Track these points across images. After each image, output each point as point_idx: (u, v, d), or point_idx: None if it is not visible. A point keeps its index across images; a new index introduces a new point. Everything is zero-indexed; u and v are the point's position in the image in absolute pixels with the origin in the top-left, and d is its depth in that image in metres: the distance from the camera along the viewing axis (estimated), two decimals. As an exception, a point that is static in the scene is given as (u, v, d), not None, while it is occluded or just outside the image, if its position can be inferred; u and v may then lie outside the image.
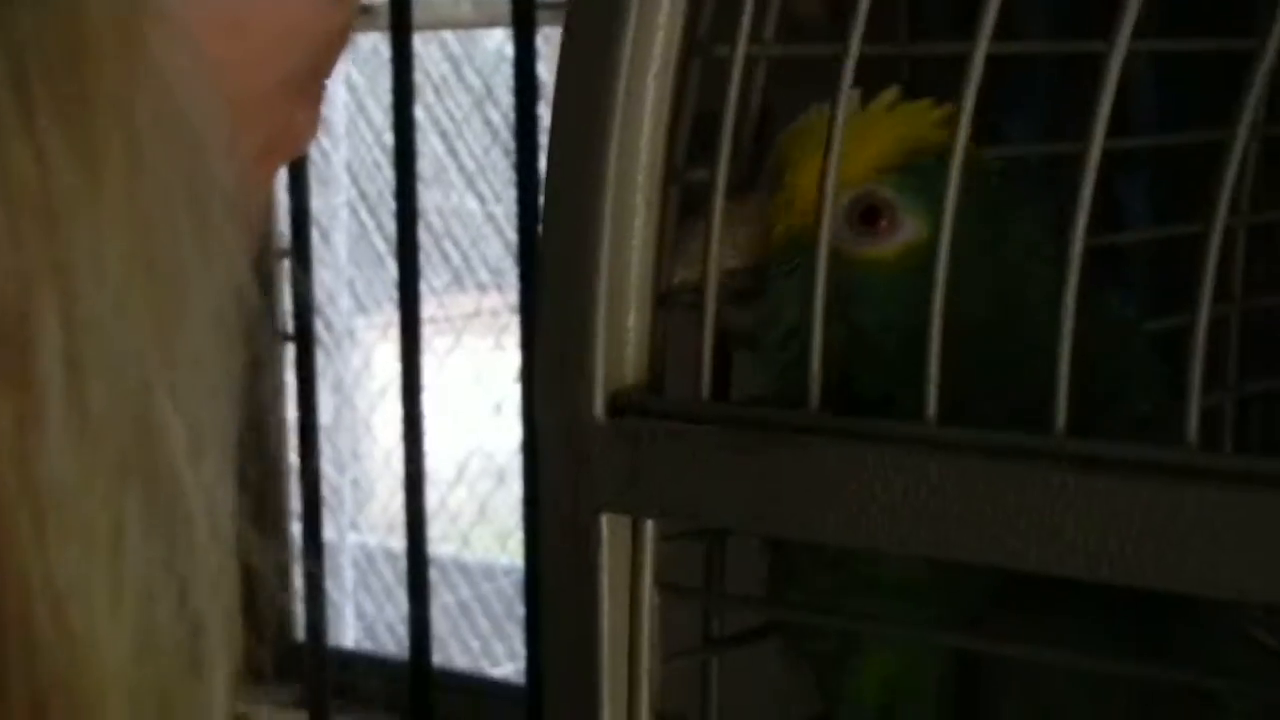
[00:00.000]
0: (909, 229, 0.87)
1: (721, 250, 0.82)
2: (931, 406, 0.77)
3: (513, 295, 3.35)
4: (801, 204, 0.87)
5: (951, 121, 0.78)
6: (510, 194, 3.51)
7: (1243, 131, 0.70)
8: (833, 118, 0.79)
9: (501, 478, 3.58)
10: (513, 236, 2.25)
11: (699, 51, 0.85)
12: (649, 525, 0.84)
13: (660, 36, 0.83)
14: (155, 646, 0.45)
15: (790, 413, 0.80)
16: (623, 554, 0.84)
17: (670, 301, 0.86)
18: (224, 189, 0.49)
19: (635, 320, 0.84)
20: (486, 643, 3.69)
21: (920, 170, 0.87)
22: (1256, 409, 1.21)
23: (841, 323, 0.86)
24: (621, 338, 0.84)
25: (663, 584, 0.85)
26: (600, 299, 0.83)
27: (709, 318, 0.82)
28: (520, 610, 3.40)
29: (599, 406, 0.83)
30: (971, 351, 0.79)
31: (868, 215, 0.87)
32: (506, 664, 3.62)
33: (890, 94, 0.88)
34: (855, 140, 0.83)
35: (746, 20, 0.82)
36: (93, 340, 0.43)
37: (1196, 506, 0.69)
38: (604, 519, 0.83)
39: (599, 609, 0.84)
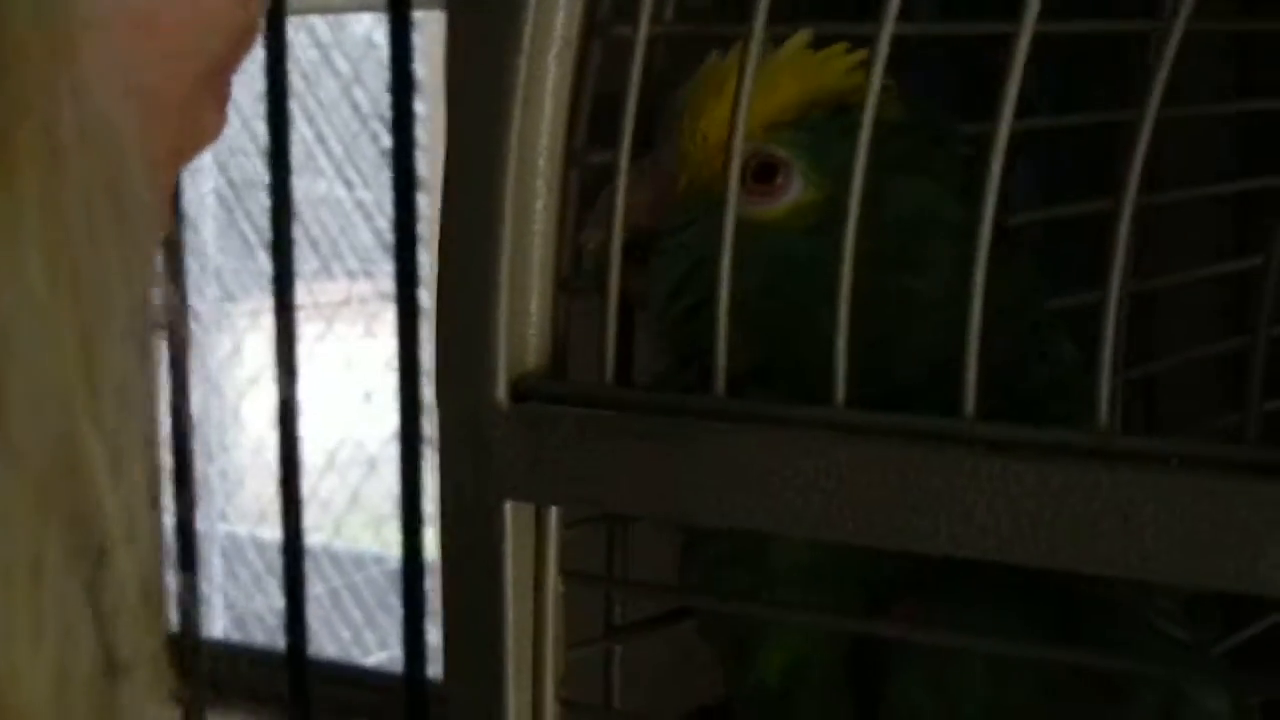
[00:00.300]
0: (798, 188, 0.85)
1: (633, 210, 0.81)
2: (839, 390, 0.76)
3: (384, 282, 3.32)
4: (699, 155, 0.85)
5: (861, 69, 0.78)
6: (380, 180, 3.49)
7: (1152, 112, 0.70)
8: (741, 70, 0.77)
9: (373, 466, 3.55)
10: (382, 223, 2.23)
11: (600, 31, 0.84)
12: (553, 512, 0.83)
13: (561, 16, 0.82)
14: (76, 683, 0.43)
15: (696, 397, 0.79)
16: (526, 541, 0.83)
17: (571, 285, 0.85)
18: (144, 199, 0.47)
19: (537, 305, 0.83)
20: (358, 632, 3.66)
21: (813, 126, 0.85)
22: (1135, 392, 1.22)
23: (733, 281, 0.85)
24: (524, 322, 0.83)
25: (567, 571, 0.83)
26: (502, 283, 0.82)
27: (612, 295, 0.81)
28: (392, 599, 3.38)
29: (501, 392, 0.82)
30: (861, 317, 0.77)
31: (762, 173, 0.85)
32: (379, 653, 3.60)
33: (799, 39, 0.86)
34: (757, 90, 0.81)
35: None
36: (15, 363, 0.42)
37: (1110, 488, 0.69)
38: (508, 506, 0.82)
39: (503, 598, 0.82)
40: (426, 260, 2.25)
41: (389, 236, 2.41)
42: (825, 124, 0.84)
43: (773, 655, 0.88)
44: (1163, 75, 0.70)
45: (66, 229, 0.43)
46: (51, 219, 0.43)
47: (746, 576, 0.88)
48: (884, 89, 0.75)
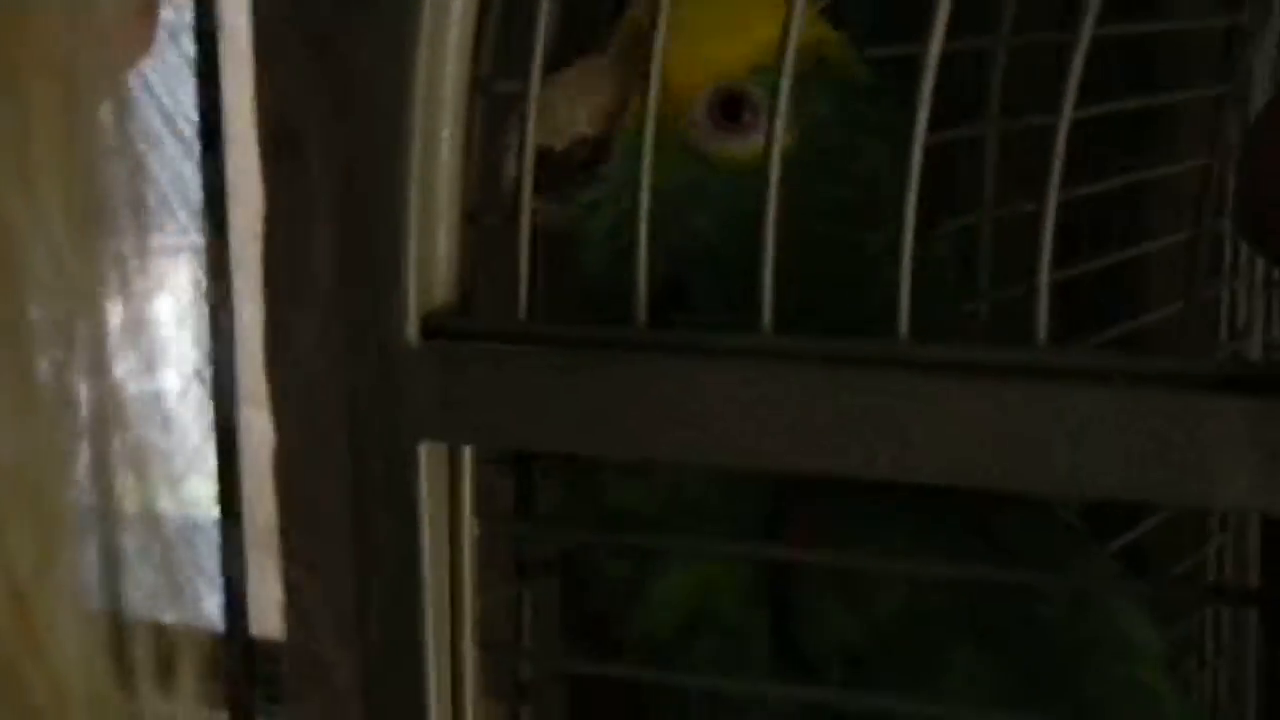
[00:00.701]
0: (764, 129, 0.85)
1: (572, 114, 0.79)
2: (766, 316, 0.75)
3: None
4: (669, 81, 0.83)
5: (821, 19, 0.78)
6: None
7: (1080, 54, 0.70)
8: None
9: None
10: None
11: (500, -42, 0.82)
12: (467, 453, 0.81)
13: (464, -62, 0.79)
14: None
15: (617, 329, 0.78)
16: (441, 483, 0.81)
17: (479, 218, 0.83)
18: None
19: (445, 239, 0.81)
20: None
21: (797, 75, 0.84)
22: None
23: (677, 223, 0.84)
24: (432, 257, 0.81)
25: (482, 513, 0.82)
26: (411, 217, 0.80)
27: (524, 224, 0.79)
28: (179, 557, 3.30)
29: (412, 330, 0.80)
30: (816, 266, 0.78)
31: (730, 108, 0.84)
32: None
33: None
34: (728, 28, 0.80)
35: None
36: None
37: (1056, 407, 0.69)
38: (422, 448, 0.80)
39: (420, 542, 0.80)
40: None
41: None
42: (807, 74, 0.83)
43: (668, 592, 0.87)
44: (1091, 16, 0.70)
45: None
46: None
47: (641, 508, 0.87)
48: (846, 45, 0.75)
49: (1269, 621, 0.68)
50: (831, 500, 0.83)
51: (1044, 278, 0.71)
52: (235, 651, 2.12)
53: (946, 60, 0.72)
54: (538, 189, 0.80)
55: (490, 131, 0.83)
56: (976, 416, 0.70)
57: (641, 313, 0.77)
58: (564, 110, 0.82)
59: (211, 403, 2.16)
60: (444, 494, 0.81)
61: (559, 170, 0.84)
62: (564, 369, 0.77)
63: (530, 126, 0.79)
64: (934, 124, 0.72)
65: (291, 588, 2.00)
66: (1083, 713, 0.84)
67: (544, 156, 0.83)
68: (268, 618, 2.27)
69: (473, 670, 0.82)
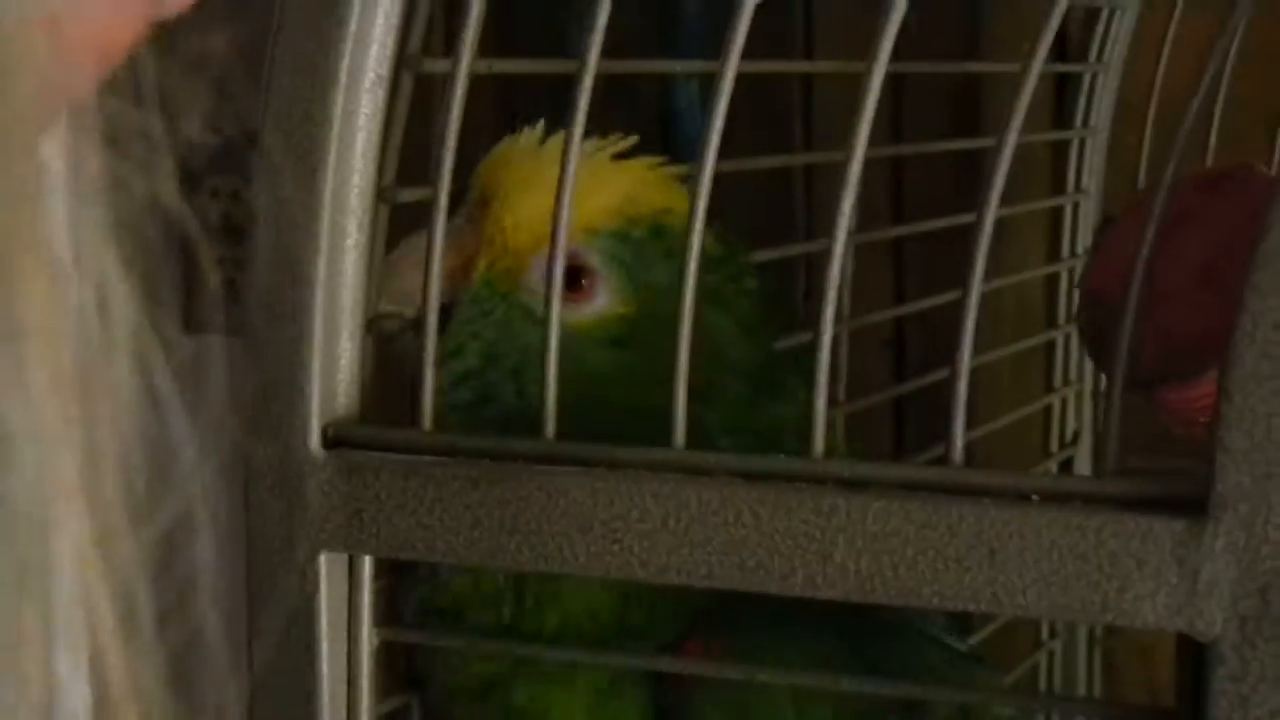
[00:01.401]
0: (606, 298, 0.86)
1: (419, 279, 0.79)
2: (679, 433, 0.75)
3: None
4: (508, 244, 0.84)
5: (668, 186, 0.80)
6: None
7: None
8: (565, 162, 0.76)
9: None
10: None
11: (409, 65, 0.82)
12: (366, 563, 0.80)
13: (374, 49, 0.79)
14: None
15: (526, 441, 0.77)
16: (340, 594, 0.80)
17: (378, 329, 0.83)
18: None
19: (348, 348, 0.80)
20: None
21: (633, 243, 0.85)
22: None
23: (512, 381, 0.84)
24: (334, 366, 0.80)
25: (381, 625, 0.81)
26: (316, 325, 0.79)
27: (430, 337, 0.79)
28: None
29: (314, 439, 0.79)
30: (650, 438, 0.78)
31: (568, 276, 0.83)
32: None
33: (617, 143, 0.87)
34: (574, 194, 0.80)
35: (471, 33, 0.78)
36: None
37: (974, 524, 0.70)
38: (322, 558, 0.79)
39: (318, 653, 0.79)
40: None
41: None
42: (646, 243, 0.84)
43: None
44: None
45: None
46: None
47: (533, 624, 0.86)
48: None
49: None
50: (728, 624, 0.83)
51: (960, 397, 0.72)
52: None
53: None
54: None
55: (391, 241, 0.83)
56: (895, 533, 0.71)
57: (550, 425, 0.77)
58: (411, 276, 0.82)
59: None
60: (343, 605, 0.80)
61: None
62: (472, 480, 0.76)
63: (438, 239, 0.78)
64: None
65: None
66: None
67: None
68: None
69: (370, 785, 0.80)
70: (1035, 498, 0.70)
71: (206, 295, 2.03)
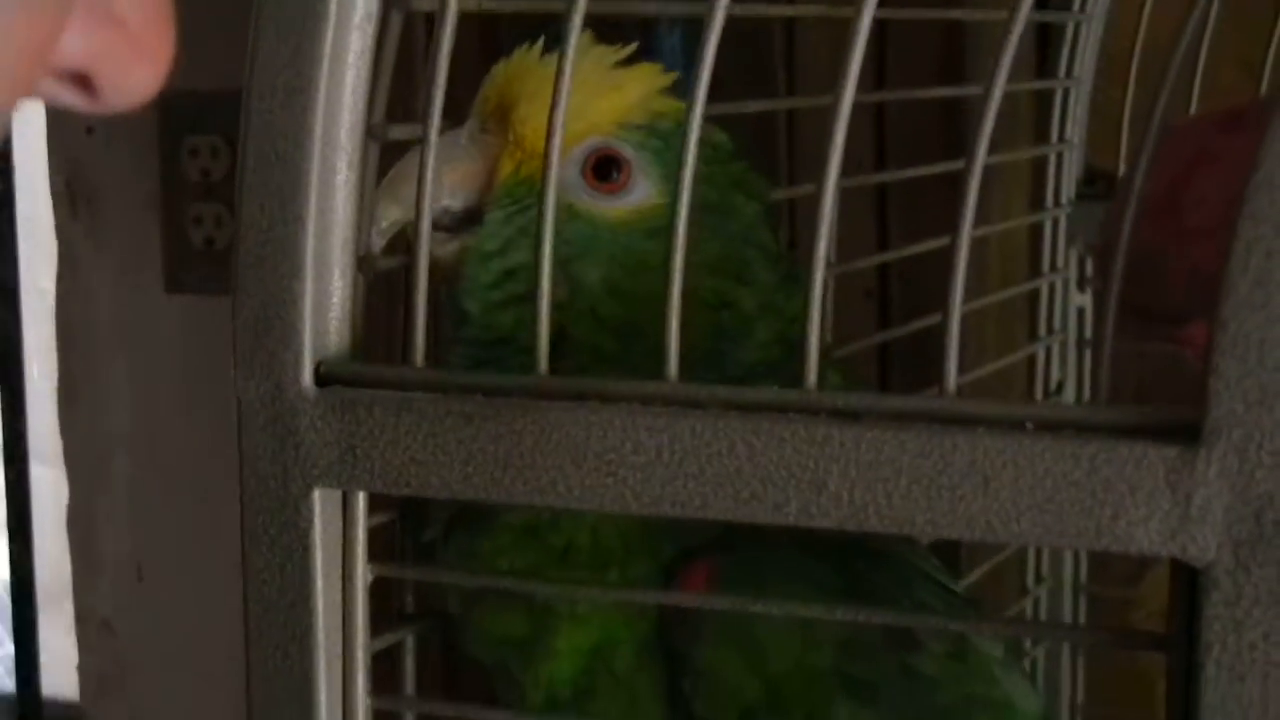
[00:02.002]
0: (643, 190, 0.86)
1: (436, 188, 0.79)
2: (672, 363, 0.75)
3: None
4: (532, 146, 0.84)
5: (674, 91, 0.79)
6: None
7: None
8: (560, 66, 0.76)
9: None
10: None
11: (399, 2, 0.82)
12: (360, 499, 0.80)
13: (364, -15, 0.79)
14: None
15: (518, 377, 0.77)
16: (334, 530, 0.80)
17: (370, 264, 0.83)
18: None
19: (339, 285, 0.80)
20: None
21: (662, 133, 0.86)
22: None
23: (562, 275, 0.84)
24: (326, 304, 0.80)
25: (375, 560, 0.81)
26: (307, 262, 0.78)
27: (421, 273, 0.79)
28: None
29: (307, 377, 0.79)
30: (693, 322, 0.79)
31: (601, 168, 0.85)
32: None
33: (619, 51, 0.87)
34: (592, 88, 0.81)
35: (461, -30, 0.78)
36: None
37: (967, 452, 0.70)
38: (316, 495, 0.79)
39: (312, 589, 0.79)
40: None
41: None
42: (674, 135, 0.85)
43: (564, 650, 0.87)
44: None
45: None
46: None
47: (532, 559, 0.87)
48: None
49: (1179, 667, 0.70)
50: (728, 551, 0.84)
51: (953, 328, 0.72)
52: (28, 713, 2.06)
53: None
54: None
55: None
56: (888, 462, 0.71)
57: (543, 361, 0.77)
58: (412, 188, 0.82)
59: (3, 460, 2.11)
60: (338, 540, 0.80)
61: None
62: (465, 416, 0.76)
63: (430, 172, 0.78)
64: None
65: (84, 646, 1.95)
66: None
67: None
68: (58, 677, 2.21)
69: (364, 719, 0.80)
70: (1029, 426, 0.70)
71: (187, 254, 2.03)
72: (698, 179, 0.85)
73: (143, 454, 2.00)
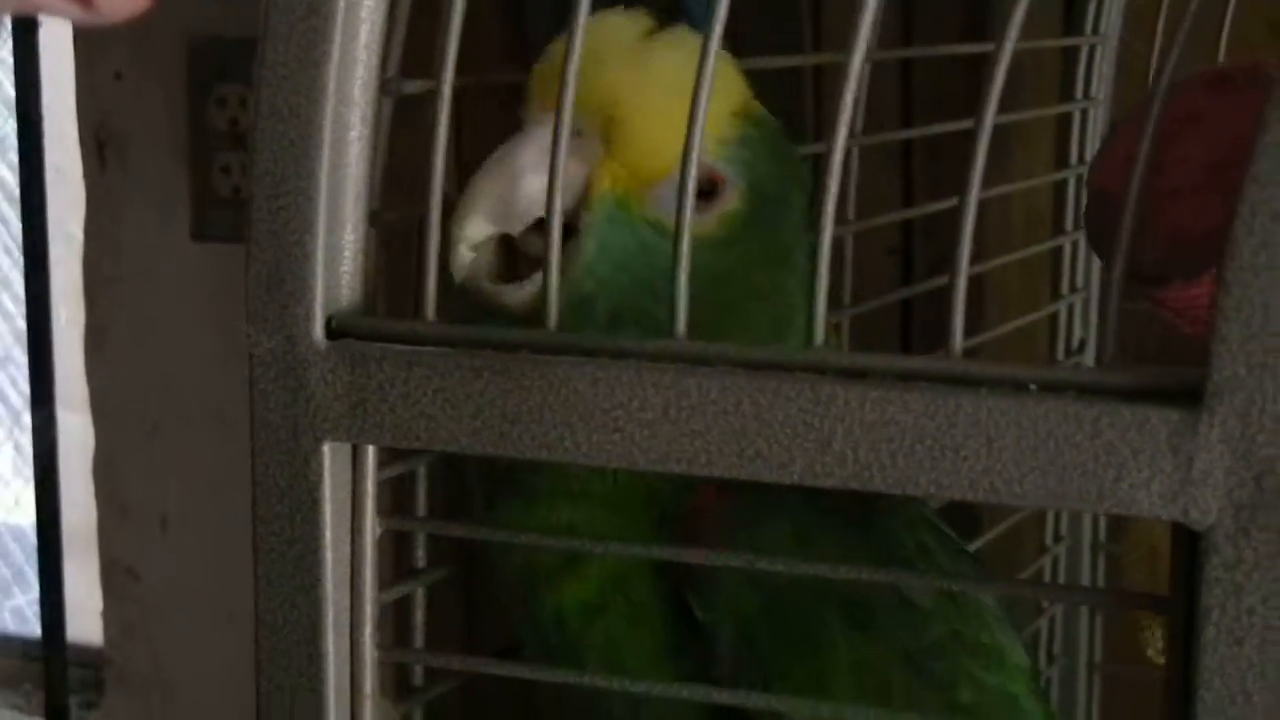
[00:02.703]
0: (728, 199, 0.86)
1: (528, 199, 0.79)
2: (680, 320, 0.76)
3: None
4: (637, 166, 0.83)
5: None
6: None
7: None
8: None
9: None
10: None
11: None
12: (370, 452, 0.81)
13: (377, -60, 0.79)
14: None
15: (529, 332, 0.78)
16: (344, 484, 0.80)
17: (381, 219, 0.83)
18: None
19: (351, 240, 0.80)
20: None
21: (748, 141, 0.86)
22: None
23: (647, 290, 0.84)
24: (338, 257, 0.80)
25: (384, 513, 0.81)
26: (319, 216, 0.79)
27: (434, 229, 0.79)
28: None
29: (318, 330, 0.79)
30: (746, 310, 0.80)
31: (703, 192, 0.84)
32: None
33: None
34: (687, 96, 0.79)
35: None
36: None
37: (972, 413, 0.70)
38: (326, 448, 0.79)
39: (321, 542, 0.80)
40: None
41: None
42: (756, 140, 0.85)
43: (574, 588, 0.88)
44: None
45: None
46: None
47: (544, 511, 0.87)
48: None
49: (1178, 629, 0.70)
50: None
51: (960, 286, 0.72)
52: (53, 657, 2.08)
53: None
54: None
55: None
56: (893, 422, 0.71)
57: (552, 317, 0.77)
58: (524, 195, 0.82)
59: (31, 405, 2.12)
60: (347, 494, 0.80)
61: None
62: (475, 370, 0.77)
63: (441, 134, 0.78)
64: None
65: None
66: (955, 713, 0.86)
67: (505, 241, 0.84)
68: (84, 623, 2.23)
69: (372, 672, 0.81)
70: (1033, 388, 0.70)
71: (214, 202, 2.04)
72: (770, 179, 0.86)
73: (169, 401, 2.01)
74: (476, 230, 0.80)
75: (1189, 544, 0.69)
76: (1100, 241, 1.04)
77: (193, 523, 2.01)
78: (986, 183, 1.19)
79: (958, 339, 0.72)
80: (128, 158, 2.04)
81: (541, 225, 0.78)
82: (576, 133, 0.81)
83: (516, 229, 0.81)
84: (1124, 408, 0.69)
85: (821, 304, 0.74)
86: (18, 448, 3.52)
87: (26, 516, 3.18)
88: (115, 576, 2.03)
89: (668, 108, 0.81)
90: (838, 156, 0.73)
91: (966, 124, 1.18)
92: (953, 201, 0.74)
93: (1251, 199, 0.66)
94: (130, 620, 2.03)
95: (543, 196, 0.76)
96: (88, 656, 2.17)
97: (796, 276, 0.89)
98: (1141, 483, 0.68)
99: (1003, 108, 0.73)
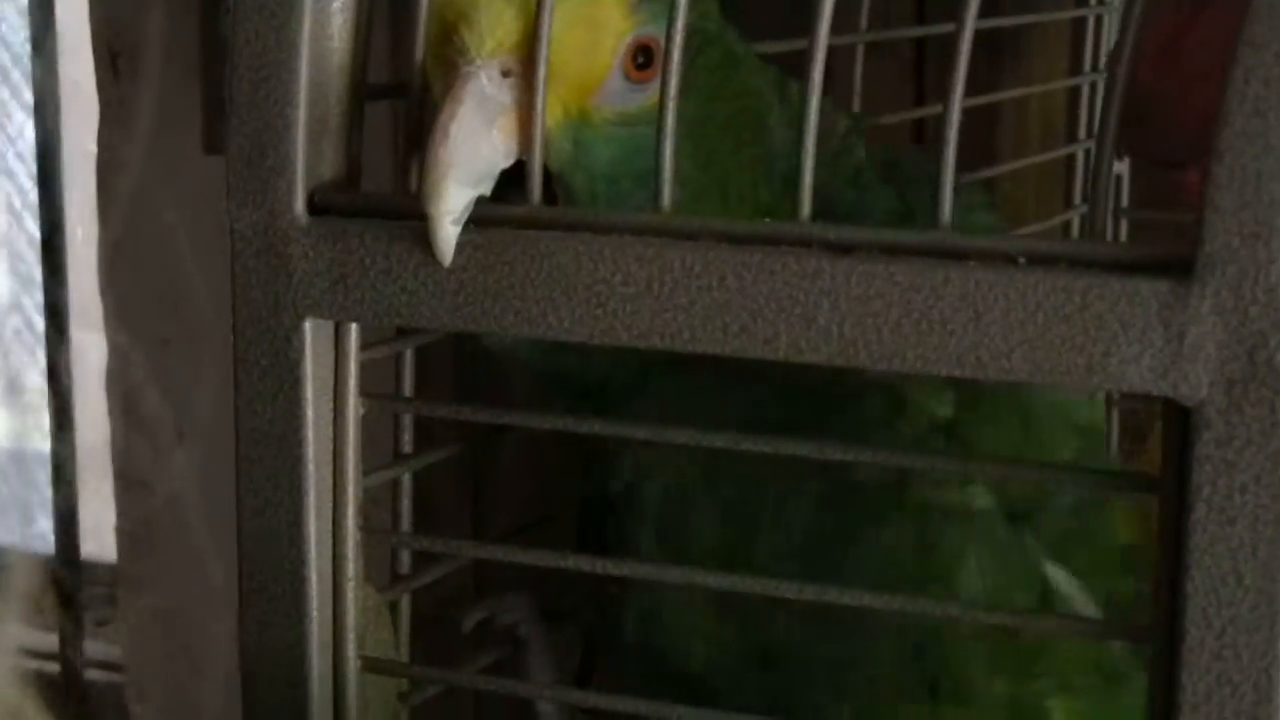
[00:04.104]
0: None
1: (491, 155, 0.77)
2: (665, 197, 0.74)
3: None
4: (576, 76, 0.81)
5: None
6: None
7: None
8: None
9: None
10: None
11: None
12: (353, 330, 0.79)
13: None
14: None
15: (510, 206, 0.76)
16: (326, 361, 0.79)
17: (366, 92, 0.81)
18: None
19: (335, 113, 0.79)
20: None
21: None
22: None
23: (644, 188, 0.82)
24: (321, 132, 0.79)
25: (367, 393, 0.80)
26: (301, 89, 0.77)
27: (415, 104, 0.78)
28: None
29: (300, 205, 0.78)
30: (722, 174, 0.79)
31: (640, 58, 0.82)
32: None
33: None
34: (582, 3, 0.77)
35: None
36: None
37: (959, 286, 0.69)
38: (307, 325, 0.78)
39: (303, 421, 0.79)
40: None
41: None
42: None
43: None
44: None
45: None
46: None
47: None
48: None
49: (1170, 511, 0.68)
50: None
51: (949, 159, 0.70)
52: (67, 573, 2.08)
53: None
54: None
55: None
56: (879, 296, 0.70)
57: (535, 192, 0.76)
58: (483, 155, 0.77)
59: (45, 322, 2.12)
60: (329, 372, 0.79)
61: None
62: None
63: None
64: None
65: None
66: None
67: None
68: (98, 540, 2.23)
69: (355, 554, 0.80)
70: (1021, 261, 0.69)
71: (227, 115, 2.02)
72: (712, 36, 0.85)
73: (182, 314, 2.00)
74: (456, 200, 0.74)
75: (1180, 421, 0.67)
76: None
77: (207, 436, 2.00)
78: (1002, 87, 1.18)
79: (946, 210, 0.70)
80: (140, 71, 2.02)
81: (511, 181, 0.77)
82: (504, 74, 0.77)
83: (488, 188, 0.77)
84: (1114, 279, 0.67)
85: (808, 180, 0.72)
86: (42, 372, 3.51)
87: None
88: (129, 491, 2.03)
89: (573, 20, 0.79)
90: (824, 26, 0.71)
91: (981, 23, 1.16)
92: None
93: (1245, 63, 0.64)
94: (144, 534, 2.02)
95: (504, 148, 0.77)
96: (102, 572, 2.16)
97: (765, 75, 0.90)
98: (1131, 357, 0.67)
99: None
